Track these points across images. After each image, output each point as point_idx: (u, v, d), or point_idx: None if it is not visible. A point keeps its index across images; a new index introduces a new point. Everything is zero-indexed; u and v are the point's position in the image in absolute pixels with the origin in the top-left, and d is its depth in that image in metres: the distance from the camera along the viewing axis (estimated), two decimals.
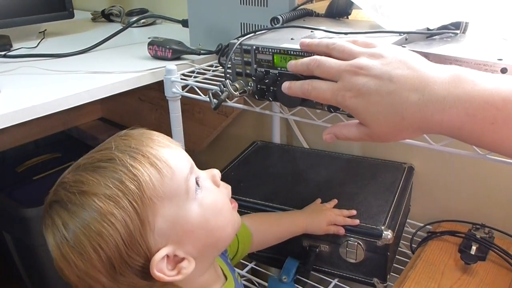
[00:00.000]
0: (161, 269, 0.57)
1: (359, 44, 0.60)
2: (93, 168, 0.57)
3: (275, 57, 0.72)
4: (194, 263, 0.60)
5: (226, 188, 0.68)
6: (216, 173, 0.66)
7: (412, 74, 0.53)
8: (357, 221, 0.90)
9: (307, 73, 0.63)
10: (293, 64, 0.65)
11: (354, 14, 0.92)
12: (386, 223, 0.89)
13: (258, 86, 0.75)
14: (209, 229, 0.62)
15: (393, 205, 0.95)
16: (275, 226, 0.93)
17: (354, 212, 0.92)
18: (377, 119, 0.55)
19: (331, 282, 0.98)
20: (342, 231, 0.90)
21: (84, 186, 0.56)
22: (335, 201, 0.96)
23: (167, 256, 0.57)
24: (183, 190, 0.59)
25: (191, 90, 0.91)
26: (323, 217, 0.91)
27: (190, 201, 0.60)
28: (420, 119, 0.52)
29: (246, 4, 0.94)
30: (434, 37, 0.76)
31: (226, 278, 0.72)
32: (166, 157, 0.59)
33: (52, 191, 0.60)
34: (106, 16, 1.56)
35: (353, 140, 0.61)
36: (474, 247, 0.92)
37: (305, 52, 0.67)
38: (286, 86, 0.66)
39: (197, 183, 0.62)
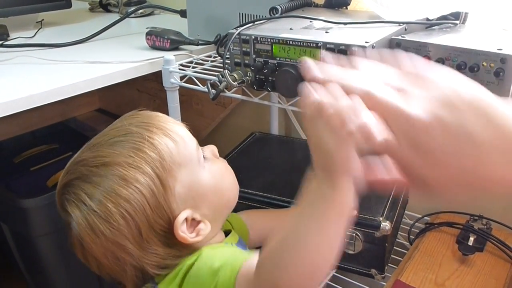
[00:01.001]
0: (183, 231, 0.61)
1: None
2: (111, 143, 0.61)
3: (274, 47, 0.71)
4: (210, 225, 0.64)
5: (223, 160, 0.74)
6: (213, 148, 0.72)
7: (493, 132, 0.38)
8: (355, 212, 0.90)
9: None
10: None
11: (353, 5, 0.92)
12: (384, 214, 0.89)
13: (257, 76, 0.75)
14: (220, 192, 0.67)
15: (391, 196, 0.95)
16: (273, 222, 0.93)
17: None
18: (445, 177, 0.41)
19: (329, 273, 0.99)
20: None
21: (106, 158, 0.60)
22: None
23: (186, 219, 0.62)
24: (195, 158, 0.65)
25: (189, 80, 0.91)
26: None
27: (200, 169, 0.65)
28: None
29: None
30: (434, 27, 0.76)
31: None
32: (176, 129, 0.64)
33: (66, 172, 0.63)
34: (104, 6, 1.55)
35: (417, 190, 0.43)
36: (471, 238, 0.92)
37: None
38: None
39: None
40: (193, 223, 0.63)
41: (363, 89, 0.41)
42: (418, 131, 0.39)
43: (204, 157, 0.67)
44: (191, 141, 0.66)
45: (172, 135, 0.63)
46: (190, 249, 0.63)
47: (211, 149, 0.72)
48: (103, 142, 0.62)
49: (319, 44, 0.67)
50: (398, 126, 0.40)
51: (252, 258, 0.57)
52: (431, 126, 0.39)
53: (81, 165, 0.61)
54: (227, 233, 0.75)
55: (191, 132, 0.67)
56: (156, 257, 0.61)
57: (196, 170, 0.64)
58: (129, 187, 0.58)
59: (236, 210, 0.89)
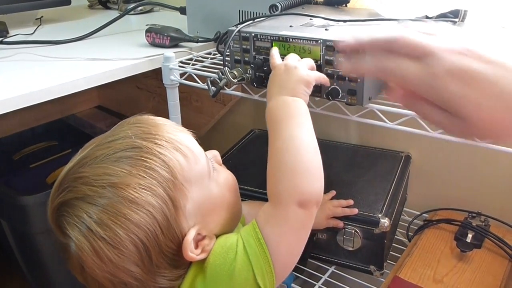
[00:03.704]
0: (192, 250, 0.57)
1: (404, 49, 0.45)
2: (116, 159, 0.56)
3: (274, 44, 0.72)
4: (215, 239, 0.61)
5: (224, 166, 0.71)
6: (216, 153, 0.69)
7: None
8: (356, 210, 0.90)
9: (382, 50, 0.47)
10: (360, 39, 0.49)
11: (353, 2, 0.92)
12: (383, 211, 0.90)
13: (257, 73, 0.75)
14: (227, 205, 0.64)
15: (390, 194, 0.96)
16: None
17: (351, 202, 0.92)
18: (490, 115, 0.42)
19: (328, 269, 0.99)
20: (341, 224, 0.90)
21: (113, 178, 0.54)
22: (333, 193, 0.95)
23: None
24: (206, 172, 0.61)
25: (189, 77, 0.91)
26: (322, 212, 0.90)
27: (211, 183, 0.62)
28: None
29: None
30: None
31: None
32: (186, 142, 0.60)
33: (63, 188, 0.56)
34: (103, 3, 1.55)
35: (443, 128, 0.47)
36: (470, 235, 0.93)
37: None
38: (348, 66, 0.51)
39: None
40: (197, 237, 0.59)
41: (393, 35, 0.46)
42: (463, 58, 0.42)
43: (213, 168, 0.64)
44: (201, 153, 0.62)
45: (183, 149, 0.58)
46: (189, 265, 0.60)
47: (213, 155, 0.68)
48: (107, 156, 0.56)
49: (319, 41, 0.67)
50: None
51: (258, 212, 0.60)
52: (471, 51, 0.42)
53: (81, 183, 0.55)
54: None
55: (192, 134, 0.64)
56: (164, 279, 0.58)
57: (206, 185, 0.61)
58: (140, 211, 0.53)
59: None
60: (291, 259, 0.59)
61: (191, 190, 0.58)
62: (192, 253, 0.57)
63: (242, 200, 0.93)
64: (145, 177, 0.54)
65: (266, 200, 0.95)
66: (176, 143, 0.58)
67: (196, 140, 0.63)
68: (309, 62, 0.67)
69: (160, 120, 0.62)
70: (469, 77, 0.42)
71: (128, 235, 0.53)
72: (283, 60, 0.68)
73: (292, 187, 0.57)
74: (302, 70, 0.64)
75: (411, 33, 0.45)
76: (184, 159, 0.58)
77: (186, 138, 0.61)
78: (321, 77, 0.67)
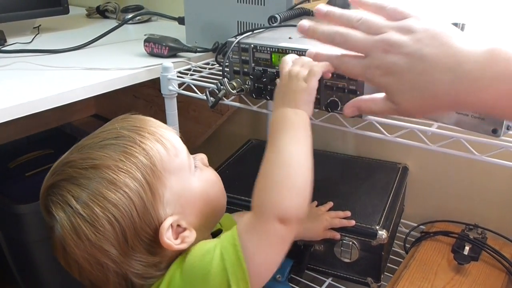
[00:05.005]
0: (169, 237, 0.60)
1: (387, 11, 0.56)
2: (101, 146, 0.60)
3: (273, 56, 0.72)
4: (195, 233, 0.63)
5: (212, 169, 0.72)
6: (203, 156, 0.71)
7: (445, 52, 0.50)
8: (353, 222, 0.90)
9: (328, 44, 0.60)
10: (312, 30, 0.61)
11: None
12: (381, 223, 0.90)
13: (256, 84, 0.75)
14: (208, 200, 0.66)
15: (387, 205, 0.96)
16: None
17: (348, 213, 0.92)
18: (408, 98, 0.54)
19: (325, 281, 0.99)
20: (338, 236, 0.90)
21: (95, 161, 0.58)
22: (330, 204, 0.95)
23: (171, 226, 0.60)
24: (186, 166, 0.64)
25: (188, 88, 0.91)
26: (319, 223, 0.90)
27: (191, 176, 0.65)
28: (452, 99, 0.51)
29: (243, 3, 0.94)
30: None
31: None
32: (168, 136, 0.64)
33: (53, 172, 0.61)
34: (101, 12, 1.55)
35: (378, 114, 0.60)
36: (467, 248, 0.93)
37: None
38: (313, 52, 0.63)
39: None
40: (178, 229, 0.62)
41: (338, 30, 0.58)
42: (386, 54, 0.53)
43: (194, 165, 0.67)
44: (182, 148, 0.65)
45: (164, 142, 0.62)
46: (172, 257, 0.62)
47: (201, 158, 0.71)
48: (93, 144, 0.61)
49: None
50: (372, 55, 0.55)
51: (240, 219, 0.63)
52: (394, 47, 0.53)
53: (68, 166, 0.59)
54: (217, 233, 0.74)
55: (183, 139, 0.67)
56: (140, 264, 0.60)
57: (186, 177, 0.64)
58: (118, 192, 0.57)
59: None
60: (267, 270, 0.59)
61: (170, 179, 0.61)
62: (169, 240, 0.59)
63: (239, 211, 0.94)
64: (124, 161, 0.58)
65: None
66: (158, 136, 0.62)
67: (181, 138, 0.67)
68: (317, 66, 0.64)
69: (147, 117, 0.66)
70: (391, 71, 0.53)
71: (105, 213, 0.56)
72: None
73: (275, 201, 0.57)
74: (302, 78, 0.63)
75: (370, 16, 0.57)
76: (165, 150, 0.61)
77: (168, 134, 0.64)
78: (323, 71, 0.63)
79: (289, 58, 0.67)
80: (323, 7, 0.60)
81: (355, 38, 0.56)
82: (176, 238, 0.61)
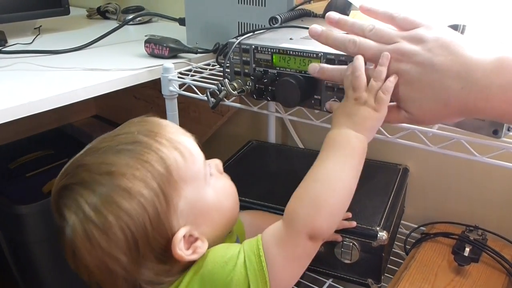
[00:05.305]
0: (181, 249, 0.59)
1: (398, 21, 0.58)
2: (117, 150, 0.58)
3: (274, 56, 0.72)
4: (207, 243, 0.62)
5: (226, 175, 0.71)
6: (218, 162, 0.70)
7: (454, 61, 0.52)
8: (354, 223, 0.89)
9: (340, 51, 0.62)
10: (325, 36, 0.62)
11: (352, 15, 0.93)
12: (381, 224, 0.90)
13: (257, 85, 0.75)
14: (222, 211, 0.66)
15: (388, 206, 0.96)
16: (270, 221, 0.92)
17: (349, 214, 0.92)
18: (420, 106, 0.55)
19: (325, 282, 0.99)
20: (339, 238, 0.90)
21: (111, 167, 0.57)
22: None
23: (184, 236, 0.59)
24: (202, 175, 0.63)
25: (188, 88, 0.91)
26: None
27: (206, 186, 0.64)
28: (463, 106, 0.52)
29: (244, 4, 0.94)
30: None
31: None
32: (186, 143, 0.62)
33: (65, 174, 0.60)
34: (102, 13, 1.55)
35: (392, 122, 0.61)
36: (467, 249, 0.92)
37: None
38: (323, 66, 0.64)
39: None
40: (190, 239, 0.61)
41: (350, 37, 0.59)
42: (398, 63, 0.55)
43: (210, 173, 0.66)
44: (200, 156, 0.64)
45: (182, 149, 0.61)
46: (184, 264, 0.61)
47: (216, 164, 0.70)
48: (109, 148, 0.59)
49: (320, 54, 0.68)
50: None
51: (267, 228, 0.60)
52: (406, 57, 0.55)
53: (83, 170, 0.58)
54: None
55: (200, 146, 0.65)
56: (150, 272, 0.59)
57: (201, 187, 0.63)
58: (132, 201, 0.56)
59: None
60: (288, 283, 0.59)
61: (185, 189, 0.60)
62: (181, 251, 0.59)
63: (241, 210, 0.94)
64: (140, 169, 0.57)
65: (264, 210, 0.96)
66: (175, 143, 0.60)
67: (198, 145, 0.65)
68: (383, 92, 0.58)
69: (164, 121, 0.65)
70: (403, 80, 0.55)
71: (118, 222, 0.56)
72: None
73: (310, 218, 0.57)
74: (372, 106, 0.59)
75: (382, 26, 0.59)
76: (182, 158, 0.60)
77: (186, 140, 0.63)
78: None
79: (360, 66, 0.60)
80: (335, 14, 0.62)
81: (368, 47, 0.58)
82: (188, 248, 0.60)
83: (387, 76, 0.57)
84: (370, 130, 0.60)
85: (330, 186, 0.58)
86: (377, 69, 0.57)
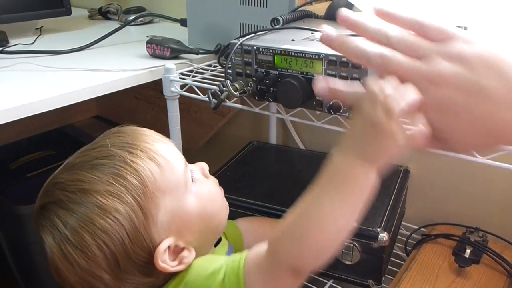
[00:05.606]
0: (164, 260, 0.58)
1: (428, 31, 0.46)
2: (90, 166, 0.57)
3: (276, 58, 0.72)
4: (194, 252, 0.61)
5: (214, 179, 0.70)
6: (204, 166, 0.68)
7: (505, 85, 0.42)
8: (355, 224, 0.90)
9: (362, 64, 0.54)
10: (340, 44, 0.49)
11: None
12: (382, 225, 0.90)
13: (258, 86, 0.75)
14: (207, 217, 0.64)
15: (389, 208, 0.96)
16: (270, 229, 0.92)
17: None
18: (464, 137, 0.45)
19: (326, 283, 0.99)
20: None
21: (84, 184, 0.56)
22: None
23: (168, 247, 0.58)
24: (182, 183, 0.61)
25: (190, 89, 0.91)
26: None
27: (187, 193, 0.62)
28: None
29: (246, 4, 0.94)
30: None
31: None
32: (163, 151, 0.60)
33: (44, 192, 0.60)
34: (103, 13, 1.56)
35: (417, 151, 0.48)
36: (468, 250, 0.93)
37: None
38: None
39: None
40: (176, 249, 0.60)
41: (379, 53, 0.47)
42: (437, 88, 0.44)
43: (192, 179, 0.64)
44: (179, 163, 0.62)
45: (158, 158, 0.59)
46: (169, 275, 0.60)
47: (201, 168, 0.68)
48: (83, 163, 0.58)
49: (321, 55, 0.68)
50: (420, 87, 0.44)
51: (254, 249, 0.57)
52: (447, 82, 0.43)
53: (58, 188, 0.57)
54: (218, 241, 0.72)
55: (183, 142, 0.64)
56: (134, 286, 0.59)
57: (181, 195, 0.61)
58: (108, 217, 0.55)
59: (233, 219, 0.89)
60: None
61: (164, 200, 0.58)
62: (164, 263, 0.58)
63: (240, 213, 0.94)
64: (114, 184, 0.55)
65: (263, 214, 0.96)
66: (151, 153, 0.59)
67: (187, 155, 0.64)
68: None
69: (141, 130, 0.63)
70: (445, 108, 0.44)
71: (94, 239, 0.55)
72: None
73: (294, 253, 0.51)
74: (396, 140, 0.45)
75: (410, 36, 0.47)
76: (158, 168, 0.58)
77: (163, 148, 0.61)
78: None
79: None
80: (351, 14, 0.49)
81: (398, 63, 0.46)
82: (174, 260, 0.59)
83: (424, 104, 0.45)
84: (387, 160, 0.47)
85: (322, 225, 0.49)
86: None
